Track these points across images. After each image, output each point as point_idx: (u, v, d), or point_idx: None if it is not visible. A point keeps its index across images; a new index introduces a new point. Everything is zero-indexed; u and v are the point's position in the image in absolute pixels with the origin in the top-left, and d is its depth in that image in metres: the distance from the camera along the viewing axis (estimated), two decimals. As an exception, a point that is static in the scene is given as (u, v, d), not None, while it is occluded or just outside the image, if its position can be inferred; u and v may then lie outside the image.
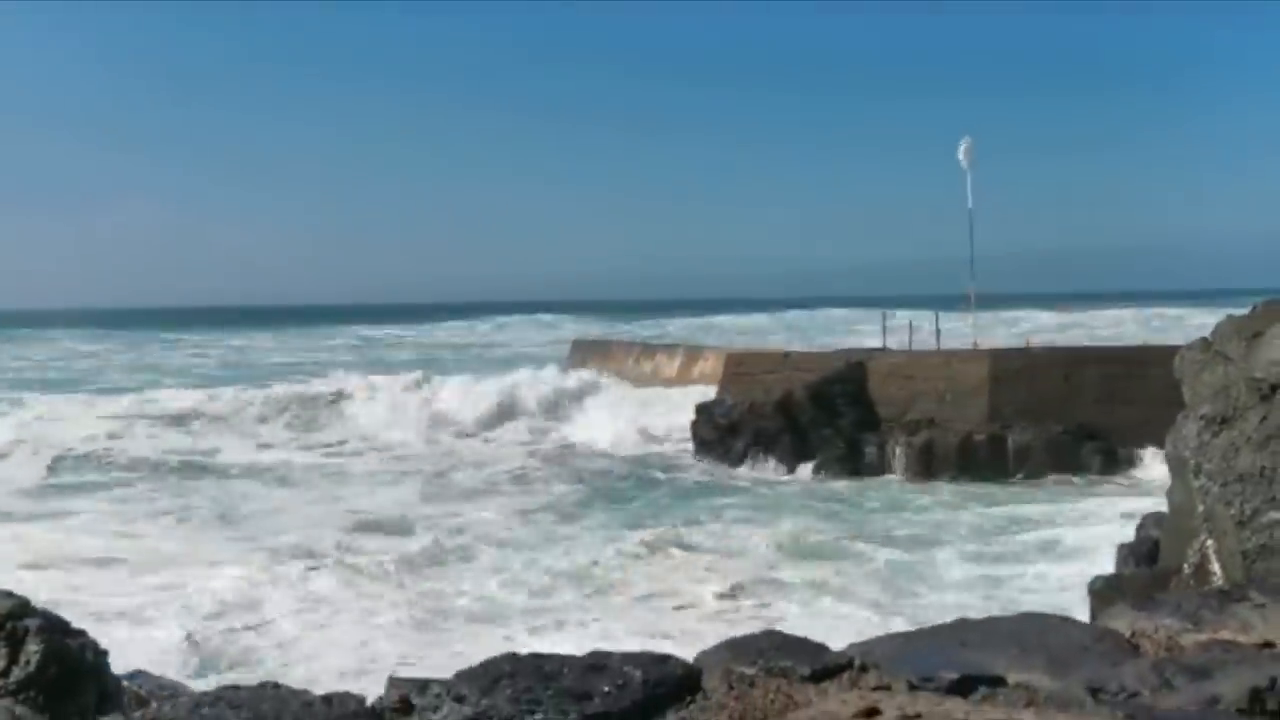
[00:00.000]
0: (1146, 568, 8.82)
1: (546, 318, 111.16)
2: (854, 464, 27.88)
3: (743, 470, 28.30)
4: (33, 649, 6.29)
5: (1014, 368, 27.78)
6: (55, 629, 6.49)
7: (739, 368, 32.60)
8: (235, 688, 3.77)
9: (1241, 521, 6.08)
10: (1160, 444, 7.97)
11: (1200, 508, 6.49)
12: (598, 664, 3.70)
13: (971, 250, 30.81)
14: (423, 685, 3.66)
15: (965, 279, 32.21)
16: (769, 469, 28.24)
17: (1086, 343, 39.99)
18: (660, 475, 27.74)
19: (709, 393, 32.41)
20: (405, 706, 3.58)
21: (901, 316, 35.56)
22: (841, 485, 26.03)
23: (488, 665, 3.71)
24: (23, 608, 6.57)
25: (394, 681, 3.75)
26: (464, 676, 3.63)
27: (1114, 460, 26.15)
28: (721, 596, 14.64)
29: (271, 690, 3.70)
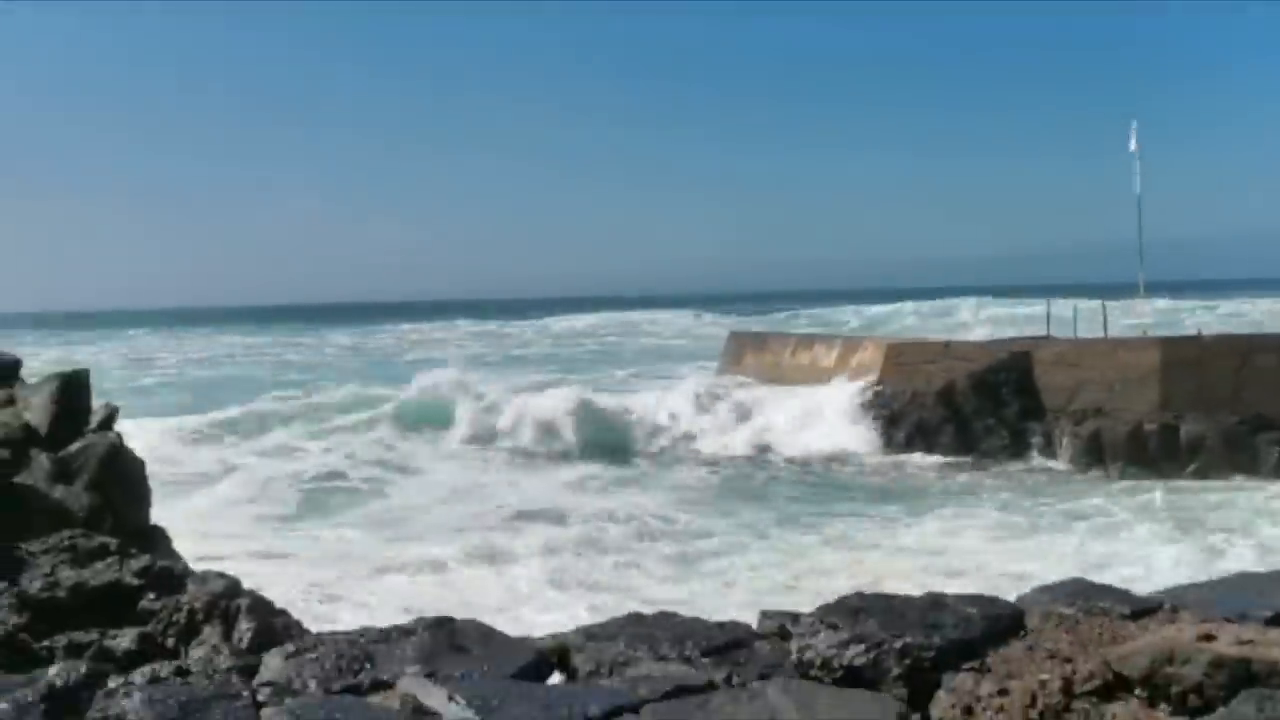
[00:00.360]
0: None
1: (684, 313, 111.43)
2: (1018, 452, 28.03)
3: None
4: (244, 626, 7.16)
5: (1187, 357, 27.48)
6: (262, 608, 7.34)
7: (899, 358, 32.81)
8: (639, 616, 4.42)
9: None
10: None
11: None
12: (938, 603, 4.29)
13: (1140, 237, 30.54)
14: (794, 617, 4.29)
15: (1128, 268, 31.90)
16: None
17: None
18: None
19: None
20: (783, 633, 4.21)
21: (1062, 304, 35.28)
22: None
23: (842, 601, 4.32)
24: (234, 588, 7.45)
25: (766, 614, 4.38)
26: (827, 609, 4.25)
27: (1292, 450, 25.76)
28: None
29: (671, 618, 4.36)
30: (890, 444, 29.75)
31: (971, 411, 29.57)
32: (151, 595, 7.27)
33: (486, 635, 3.97)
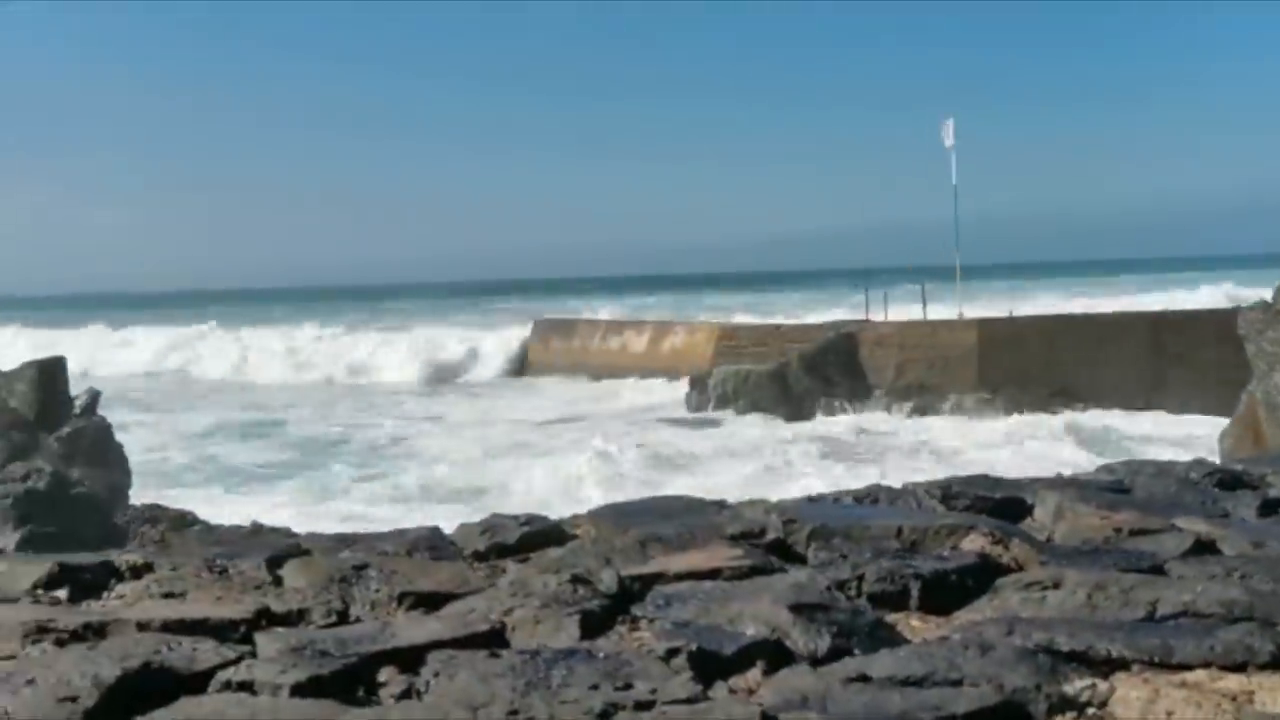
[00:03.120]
0: None
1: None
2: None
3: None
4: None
5: (1002, 335, 30.94)
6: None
7: (730, 342, 35.48)
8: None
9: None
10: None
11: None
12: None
13: (956, 225, 34.00)
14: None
15: (943, 250, 35.34)
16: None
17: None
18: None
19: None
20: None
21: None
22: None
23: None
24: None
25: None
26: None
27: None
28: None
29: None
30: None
31: (803, 390, 32.43)
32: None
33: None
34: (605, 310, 55.02)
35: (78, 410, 12.66)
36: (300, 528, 7.99)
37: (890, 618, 3.57)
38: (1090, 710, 2.85)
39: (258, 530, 8.96)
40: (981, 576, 3.83)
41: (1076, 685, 2.94)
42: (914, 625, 3.56)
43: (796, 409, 31.73)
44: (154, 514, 11.78)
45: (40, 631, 3.05)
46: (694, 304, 74.57)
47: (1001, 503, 5.24)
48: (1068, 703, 2.87)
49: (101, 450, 12.39)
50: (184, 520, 11.65)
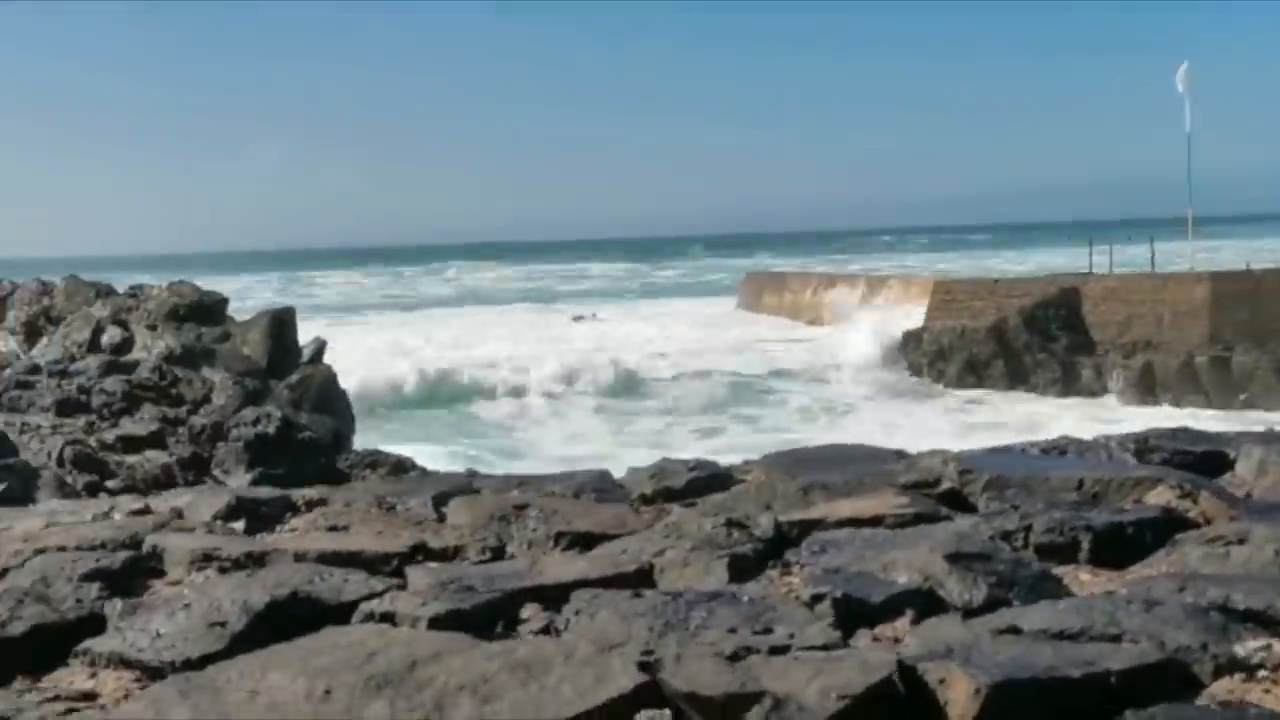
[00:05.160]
0: None
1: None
2: (1069, 386, 29.93)
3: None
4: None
5: (1238, 290, 29.22)
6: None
7: (946, 296, 34.54)
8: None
9: None
10: None
11: None
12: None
13: (1189, 176, 32.27)
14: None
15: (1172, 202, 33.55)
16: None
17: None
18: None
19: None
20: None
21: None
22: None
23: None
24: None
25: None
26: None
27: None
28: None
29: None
30: (942, 379, 31.72)
31: (1021, 346, 31.36)
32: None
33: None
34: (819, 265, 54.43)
35: (305, 359, 13.19)
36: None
37: (1057, 570, 3.37)
38: (1262, 673, 2.61)
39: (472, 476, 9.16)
40: (1162, 530, 3.58)
41: (1249, 646, 2.70)
42: (1082, 579, 3.35)
43: (1018, 368, 30.75)
44: (375, 459, 12.21)
45: (205, 560, 3.14)
46: (906, 259, 73.40)
47: (1202, 457, 4.91)
48: (1237, 664, 2.63)
49: (327, 397, 12.88)
50: (402, 466, 12.03)
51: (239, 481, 11.05)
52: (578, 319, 50.97)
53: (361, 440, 13.94)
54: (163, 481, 10.30)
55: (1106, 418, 25.59)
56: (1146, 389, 28.72)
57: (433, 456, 17.00)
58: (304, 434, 12.06)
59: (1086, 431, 5.58)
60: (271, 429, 11.62)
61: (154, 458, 10.47)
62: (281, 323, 13.44)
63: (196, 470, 10.98)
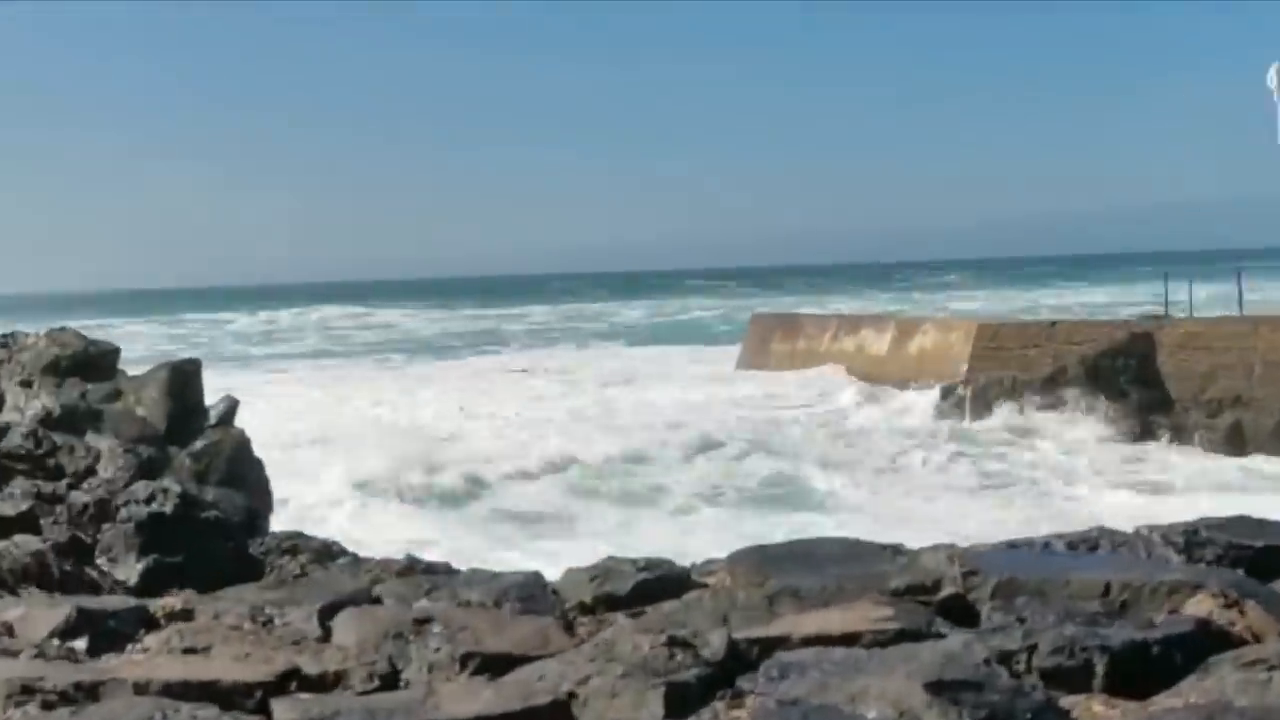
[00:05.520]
0: None
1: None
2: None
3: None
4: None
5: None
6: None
7: (991, 343, 34.50)
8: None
9: None
10: None
11: None
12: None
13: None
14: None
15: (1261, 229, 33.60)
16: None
17: None
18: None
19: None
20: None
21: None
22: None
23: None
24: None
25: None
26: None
27: None
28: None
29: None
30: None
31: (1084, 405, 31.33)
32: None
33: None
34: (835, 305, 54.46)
35: (212, 420, 13.12)
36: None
37: (1066, 701, 3.35)
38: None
39: (411, 566, 9.09)
40: (1195, 650, 3.56)
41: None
42: (1095, 711, 3.33)
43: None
44: (295, 543, 12.05)
45: (25, 693, 3.10)
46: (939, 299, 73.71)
47: (1262, 553, 4.89)
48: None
49: (238, 468, 12.82)
50: (329, 551, 11.89)
51: (128, 572, 10.95)
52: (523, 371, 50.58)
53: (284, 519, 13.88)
54: (34, 573, 10.22)
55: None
56: (1234, 452, 28.71)
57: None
58: (209, 513, 11.94)
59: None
60: (169, 507, 11.50)
61: (24, 543, 10.34)
62: (185, 377, 13.37)
63: (76, 558, 10.89)
